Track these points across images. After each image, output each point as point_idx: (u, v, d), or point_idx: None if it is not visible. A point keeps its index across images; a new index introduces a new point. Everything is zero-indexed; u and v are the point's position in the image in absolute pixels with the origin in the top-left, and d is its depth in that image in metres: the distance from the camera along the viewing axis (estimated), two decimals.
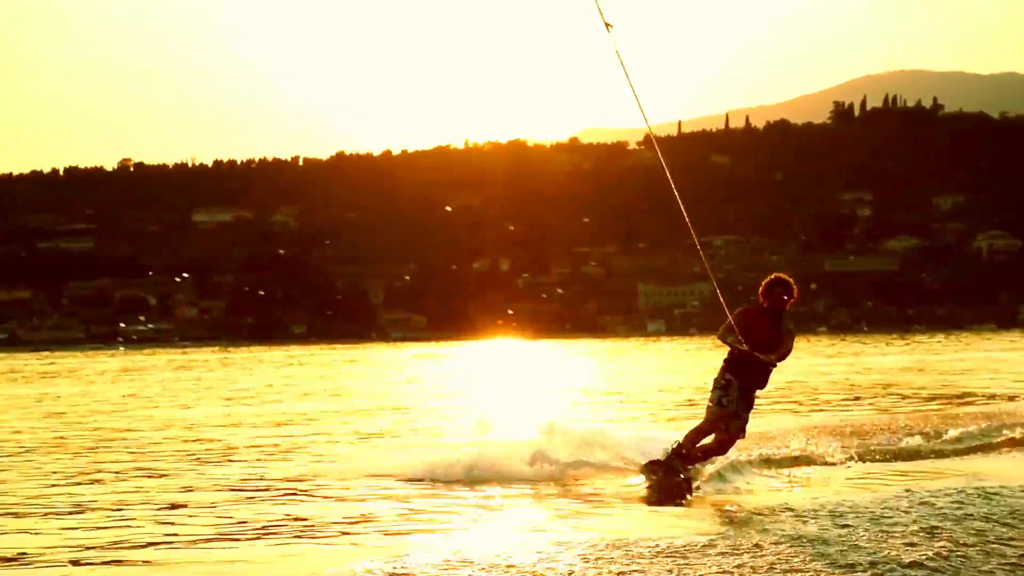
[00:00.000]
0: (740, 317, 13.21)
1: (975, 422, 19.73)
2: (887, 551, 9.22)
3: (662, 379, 42.25)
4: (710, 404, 13.17)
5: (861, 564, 8.86)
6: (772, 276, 13.56)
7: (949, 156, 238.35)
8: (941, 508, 11.17)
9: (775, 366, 13.08)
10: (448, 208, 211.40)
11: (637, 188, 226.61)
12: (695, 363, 56.27)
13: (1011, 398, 26.60)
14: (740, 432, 13.27)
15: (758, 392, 13.48)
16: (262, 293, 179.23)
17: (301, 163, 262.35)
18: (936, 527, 10.17)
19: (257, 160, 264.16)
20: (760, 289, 13.50)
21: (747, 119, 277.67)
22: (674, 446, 13.23)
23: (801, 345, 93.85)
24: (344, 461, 16.94)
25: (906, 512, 11.02)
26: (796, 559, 9.04)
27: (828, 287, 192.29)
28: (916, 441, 17.53)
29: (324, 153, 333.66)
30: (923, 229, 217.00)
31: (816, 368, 48.59)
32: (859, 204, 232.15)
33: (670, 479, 13.00)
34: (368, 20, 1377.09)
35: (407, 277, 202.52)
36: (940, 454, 16.78)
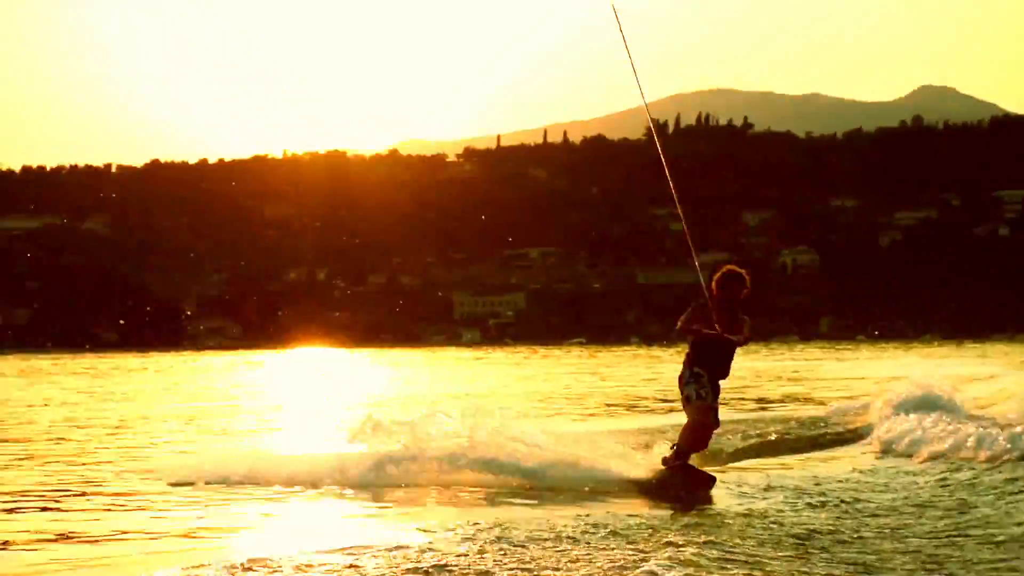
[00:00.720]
0: (697, 310, 13.30)
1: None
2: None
3: (463, 386, 42.50)
4: (687, 402, 13.22)
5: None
6: (725, 269, 13.71)
7: (757, 173, 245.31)
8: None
9: (742, 344, 13.27)
10: (264, 217, 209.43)
11: (454, 200, 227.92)
12: (501, 372, 56.90)
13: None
14: (717, 422, 13.42)
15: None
16: (71, 301, 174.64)
17: (114, 170, 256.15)
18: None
19: (68, 166, 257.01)
20: (713, 282, 13.49)
21: (565, 134, 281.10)
22: (673, 448, 13.41)
23: (627, 355, 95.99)
24: (151, 464, 16.49)
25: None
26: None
27: (639, 299, 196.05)
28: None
29: (138, 160, 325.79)
30: (732, 243, 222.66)
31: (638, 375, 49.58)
32: (671, 219, 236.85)
33: (691, 477, 13.05)
34: (183, 25, 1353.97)
35: (222, 286, 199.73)
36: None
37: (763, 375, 45.57)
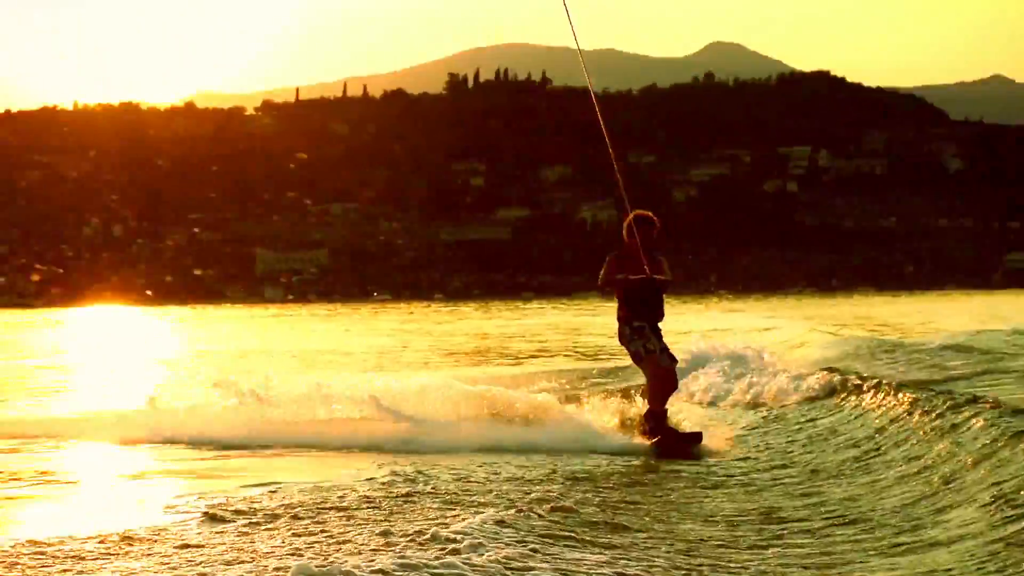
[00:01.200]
0: (614, 260, 13.37)
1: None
2: None
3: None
4: (638, 359, 13.20)
5: None
6: (633, 214, 13.47)
7: (556, 129, 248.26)
8: None
9: (671, 281, 13.36)
10: (56, 171, 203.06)
11: (254, 154, 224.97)
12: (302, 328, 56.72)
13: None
14: (672, 359, 13.31)
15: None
16: None
17: None
18: None
19: None
20: (624, 231, 13.53)
21: (365, 88, 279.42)
22: (645, 414, 13.13)
23: (424, 310, 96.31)
24: None
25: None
26: None
27: (444, 255, 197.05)
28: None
29: None
30: (532, 199, 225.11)
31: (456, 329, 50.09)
32: (472, 174, 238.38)
33: (679, 442, 12.75)
34: None
35: (13, 243, 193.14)
36: None
37: (579, 328, 46.30)
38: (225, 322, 79.30)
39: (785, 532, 8.20)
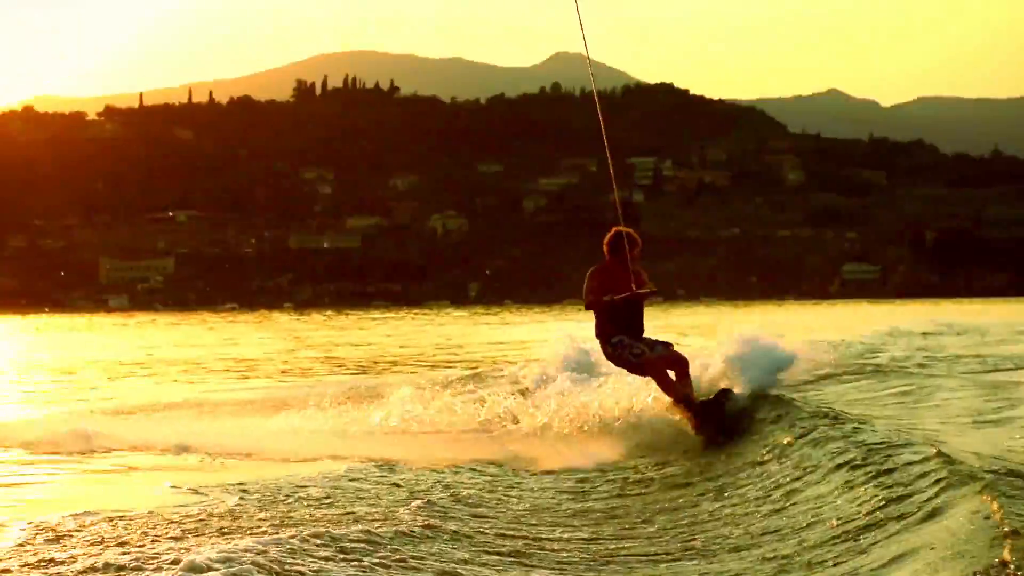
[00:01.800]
0: (597, 275, 13.50)
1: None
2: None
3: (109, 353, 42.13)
4: (636, 365, 13.46)
5: None
6: (614, 231, 13.68)
7: (405, 137, 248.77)
8: None
9: (655, 291, 13.61)
10: None
11: (97, 160, 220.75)
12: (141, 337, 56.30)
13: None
14: (668, 345, 13.54)
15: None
16: None
17: None
18: None
19: None
20: (604, 246, 13.64)
21: (210, 94, 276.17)
22: (679, 407, 13.26)
23: (268, 320, 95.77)
24: None
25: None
26: None
27: (293, 263, 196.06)
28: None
29: None
30: (382, 207, 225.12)
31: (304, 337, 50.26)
32: (321, 182, 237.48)
33: (709, 414, 13.05)
34: None
35: None
36: None
37: (472, 342, 46.56)
38: (60, 331, 78.08)
39: None
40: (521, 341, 45.02)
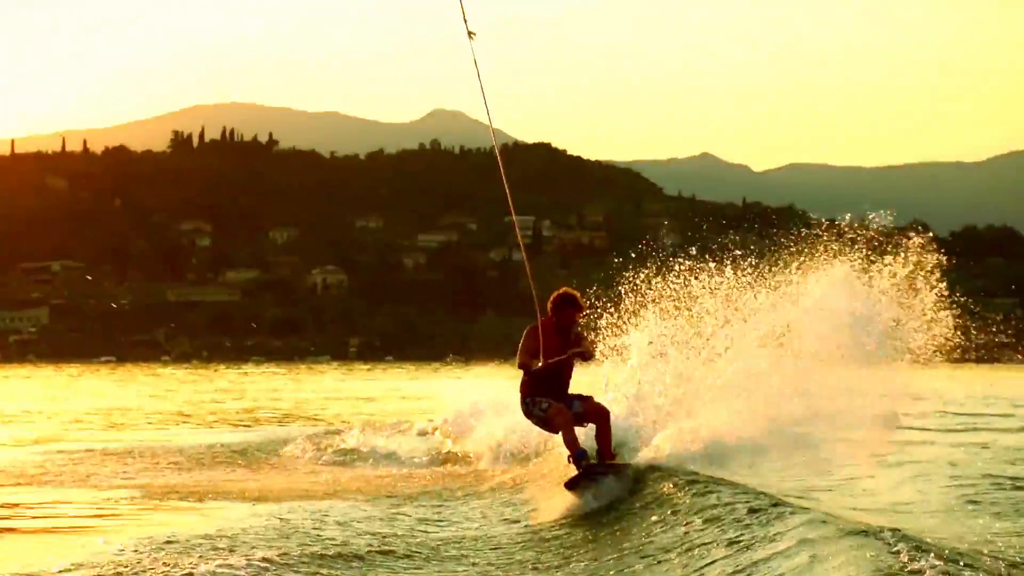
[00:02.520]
0: (531, 334, 13.66)
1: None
2: None
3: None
4: (545, 420, 13.73)
5: None
6: (559, 292, 13.92)
7: (284, 191, 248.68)
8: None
9: (590, 356, 13.88)
10: None
11: None
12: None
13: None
14: (589, 399, 13.90)
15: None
16: None
17: None
18: None
19: None
20: (548, 306, 13.84)
21: (85, 143, 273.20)
22: (568, 460, 13.40)
23: (148, 375, 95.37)
24: None
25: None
26: None
27: (170, 317, 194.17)
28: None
29: None
30: (260, 261, 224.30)
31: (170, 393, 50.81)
32: (198, 234, 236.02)
33: (596, 474, 13.17)
34: None
35: None
36: None
37: (383, 395, 47.20)
38: None
39: None
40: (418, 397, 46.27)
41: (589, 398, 13.90)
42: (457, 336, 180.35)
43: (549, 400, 13.59)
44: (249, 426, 32.73)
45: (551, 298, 14.05)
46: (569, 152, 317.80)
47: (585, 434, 13.95)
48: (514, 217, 16.34)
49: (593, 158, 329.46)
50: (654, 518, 11.43)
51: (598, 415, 13.71)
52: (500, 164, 16.15)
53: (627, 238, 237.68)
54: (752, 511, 9.94)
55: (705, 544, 9.62)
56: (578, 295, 14.14)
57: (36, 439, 27.21)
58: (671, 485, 12.34)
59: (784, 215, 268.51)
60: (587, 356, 13.95)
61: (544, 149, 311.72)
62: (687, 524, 10.55)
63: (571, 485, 13.15)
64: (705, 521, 10.38)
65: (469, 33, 14.62)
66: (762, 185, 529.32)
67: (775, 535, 8.92)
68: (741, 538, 9.26)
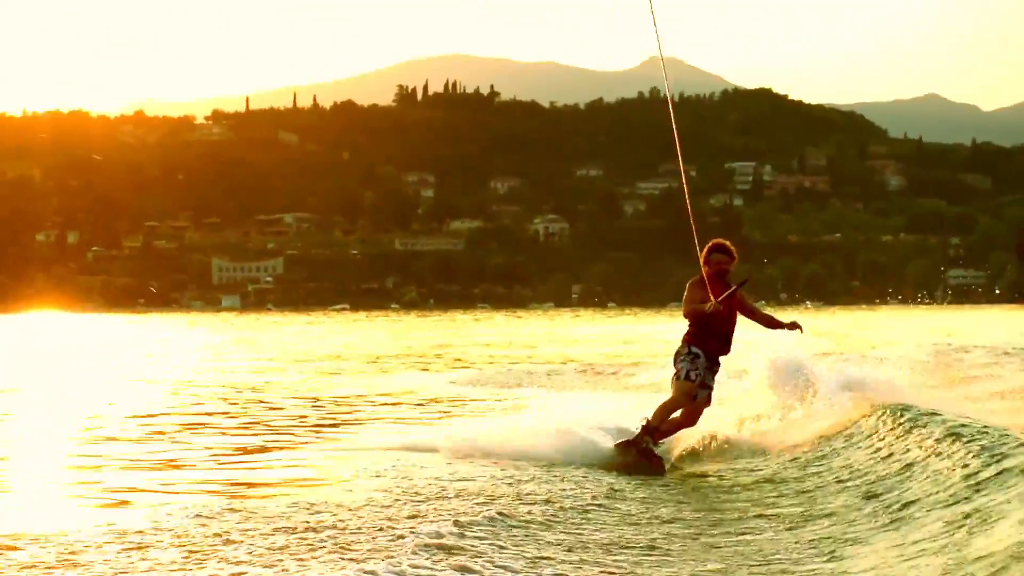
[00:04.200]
0: (694, 287, 13.27)
1: None
2: None
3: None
4: (676, 379, 13.15)
5: None
6: (711, 243, 13.51)
7: (505, 141, 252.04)
8: None
9: (745, 280, 13.47)
10: (5, 177, 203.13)
11: (205, 163, 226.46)
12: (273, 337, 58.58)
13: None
14: (707, 401, 13.32)
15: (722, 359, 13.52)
16: None
17: None
18: None
19: None
20: (701, 258, 13.45)
21: (315, 98, 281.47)
22: (643, 423, 13.06)
23: (387, 319, 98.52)
24: None
25: None
26: None
27: (398, 265, 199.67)
28: None
29: None
30: (484, 211, 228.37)
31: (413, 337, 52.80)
32: (424, 185, 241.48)
33: (643, 459, 12.84)
34: None
35: None
36: None
37: (605, 340, 48.04)
38: (193, 327, 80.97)
39: None
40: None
41: (710, 393, 13.27)
42: (679, 282, 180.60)
43: (700, 372, 13.05)
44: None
45: (703, 250, 13.50)
46: (790, 97, 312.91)
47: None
48: (682, 166, 14.86)
49: (815, 101, 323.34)
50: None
51: (693, 415, 13.33)
52: (672, 118, 15.26)
53: (851, 181, 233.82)
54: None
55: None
56: (728, 244, 13.49)
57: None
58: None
59: (1016, 155, 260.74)
60: (742, 284, 13.37)
61: (765, 95, 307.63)
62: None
63: (622, 445, 12.97)
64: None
65: None
66: (992, 125, 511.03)
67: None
68: None
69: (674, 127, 15.25)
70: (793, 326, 13.43)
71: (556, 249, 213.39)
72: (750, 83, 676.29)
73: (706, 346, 13.16)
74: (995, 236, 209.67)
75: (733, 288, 13.12)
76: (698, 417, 13.39)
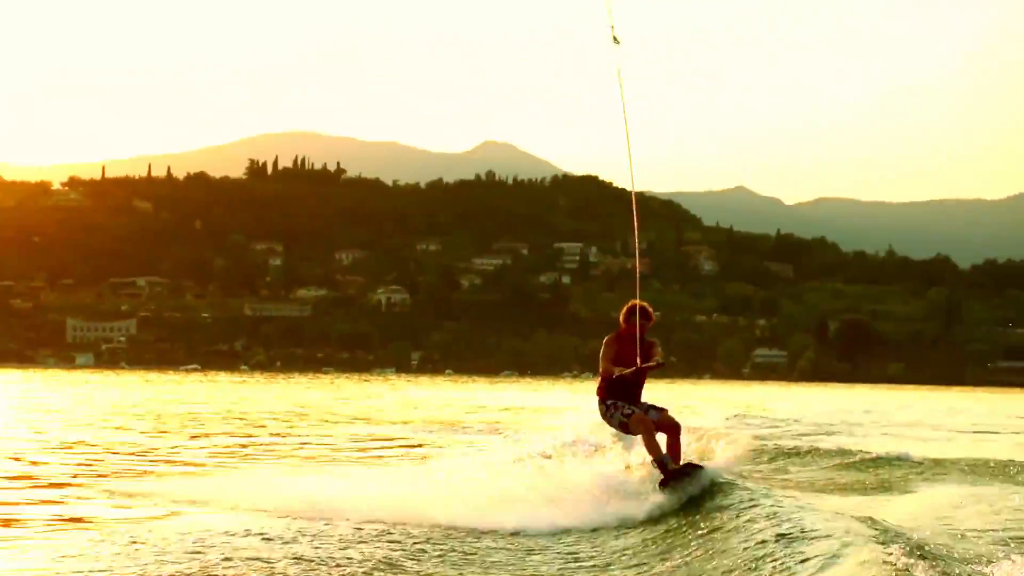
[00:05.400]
0: (613, 343, 13.78)
1: None
2: None
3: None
4: (625, 427, 13.70)
5: None
6: (630, 304, 13.94)
7: (351, 215, 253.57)
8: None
9: (661, 364, 13.68)
10: None
11: (62, 227, 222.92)
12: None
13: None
14: (664, 411, 13.78)
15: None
16: None
17: None
18: None
19: None
20: (621, 317, 13.86)
21: (168, 169, 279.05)
22: (655, 465, 13.41)
23: (232, 378, 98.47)
24: None
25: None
26: None
27: (246, 329, 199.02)
28: None
29: None
30: (329, 280, 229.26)
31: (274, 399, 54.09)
32: (271, 254, 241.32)
33: (681, 476, 13.15)
34: None
35: None
36: None
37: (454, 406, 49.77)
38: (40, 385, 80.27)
39: None
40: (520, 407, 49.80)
41: (664, 410, 13.75)
42: (512, 352, 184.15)
43: (632, 407, 13.62)
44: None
45: (623, 310, 13.99)
46: (615, 184, 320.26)
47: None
48: (636, 248, 16.27)
49: (636, 189, 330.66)
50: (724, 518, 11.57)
51: (671, 427, 13.62)
52: (635, 221, 15.79)
53: (669, 264, 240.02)
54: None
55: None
56: (648, 307, 14.01)
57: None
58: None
59: (816, 247, 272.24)
60: (660, 364, 13.75)
61: (592, 181, 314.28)
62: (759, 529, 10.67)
63: (663, 484, 13.14)
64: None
65: (614, 39, 13.94)
66: (794, 217, 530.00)
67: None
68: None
69: (635, 218, 15.76)
70: (658, 365, 13.76)
71: (397, 317, 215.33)
72: (578, 169, 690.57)
73: (616, 397, 13.73)
74: (797, 319, 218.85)
75: (649, 365, 13.60)
76: (674, 425, 13.68)
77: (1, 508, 13.61)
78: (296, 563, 9.81)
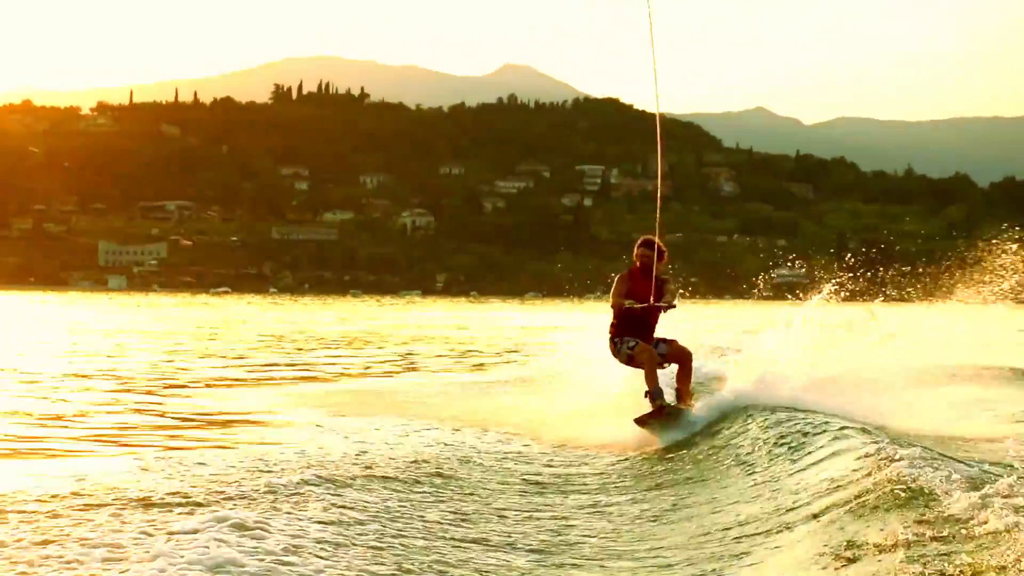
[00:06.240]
0: (626, 279, 13.35)
1: None
2: None
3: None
4: (630, 358, 13.30)
5: None
6: (641, 239, 13.46)
7: (375, 139, 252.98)
8: None
9: (672, 306, 13.27)
10: None
11: (90, 152, 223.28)
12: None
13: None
14: (673, 342, 13.43)
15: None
16: None
17: None
18: None
19: None
20: (635, 252, 13.34)
21: (195, 94, 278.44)
22: (646, 395, 13.00)
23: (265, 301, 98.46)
24: None
25: None
26: None
27: (274, 252, 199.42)
28: None
29: None
30: (354, 204, 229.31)
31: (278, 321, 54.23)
32: (297, 178, 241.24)
33: (664, 418, 12.80)
34: None
35: None
36: None
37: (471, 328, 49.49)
38: (83, 307, 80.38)
39: None
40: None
41: (673, 341, 13.39)
42: (535, 274, 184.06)
43: (637, 339, 13.25)
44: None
45: (636, 246, 13.47)
46: (636, 107, 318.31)
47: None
48: (659, 174, 14.65)
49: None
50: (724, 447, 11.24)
51: (681, 356, 13.33)
52: (659, 146, 15.06)
53: (690, 186, 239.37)
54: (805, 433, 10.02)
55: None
56: (655, 240, 13.43)
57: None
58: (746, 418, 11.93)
59: (835, 167, 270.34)
60: (666, 307, 13.31)
61: (613, 104, 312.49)
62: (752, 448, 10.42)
63: (641, 421, 12.87)
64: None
65: None
66: (813, 138, 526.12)
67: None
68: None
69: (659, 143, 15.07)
70: (669, 307, 13.31)
71: (422, 241, 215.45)
72: (598, 92, 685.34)
73: (632, 334, 13.30)
74: (816, 239, 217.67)
75: (660, 305, 13.18)
76: (686, 354, 13.40)
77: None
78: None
